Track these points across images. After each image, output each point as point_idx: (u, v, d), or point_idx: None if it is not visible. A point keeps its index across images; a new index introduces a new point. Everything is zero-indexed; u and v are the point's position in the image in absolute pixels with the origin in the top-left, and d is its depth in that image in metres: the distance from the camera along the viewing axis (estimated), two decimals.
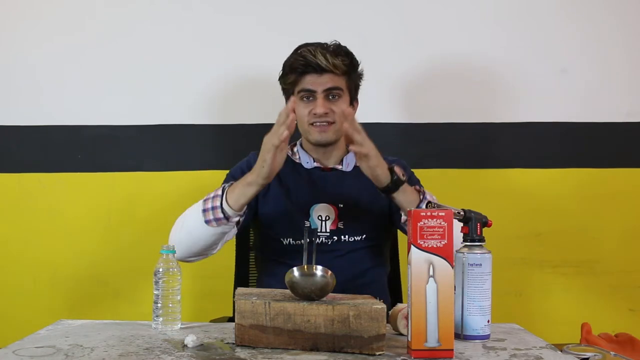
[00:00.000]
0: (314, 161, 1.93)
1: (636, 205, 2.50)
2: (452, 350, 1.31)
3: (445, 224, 1.31)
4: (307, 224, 1.85)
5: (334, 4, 2.46)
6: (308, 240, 1.52)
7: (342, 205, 1.88)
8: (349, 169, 1.93)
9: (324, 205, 1.88)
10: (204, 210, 1.71)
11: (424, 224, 1.31)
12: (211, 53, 2.45)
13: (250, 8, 2.45)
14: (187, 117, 2.45)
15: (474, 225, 1.48)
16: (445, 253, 1.31)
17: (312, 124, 1.86)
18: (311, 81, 1.85)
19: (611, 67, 2.49)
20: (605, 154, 2.50)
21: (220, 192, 1.71)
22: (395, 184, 1.70)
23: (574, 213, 2.49)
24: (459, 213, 1.48)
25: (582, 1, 2.50)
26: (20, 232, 2.43)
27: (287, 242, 1.87)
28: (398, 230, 2.00)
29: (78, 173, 2.45)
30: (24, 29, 2.43)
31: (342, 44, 1.91)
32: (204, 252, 1.79)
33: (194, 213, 1.74)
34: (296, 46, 1.91)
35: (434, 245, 1.31)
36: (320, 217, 1.87)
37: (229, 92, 2.46)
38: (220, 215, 1.69)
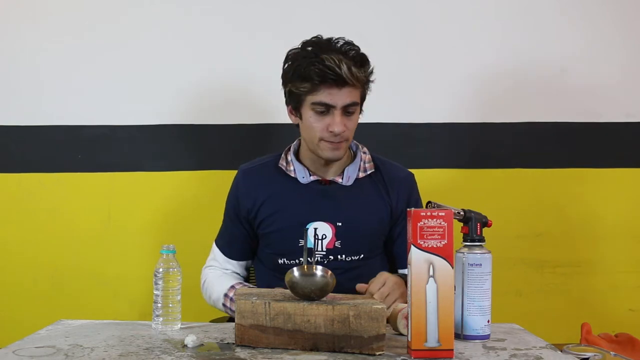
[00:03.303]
0: (311, 174, 1.82)
1: (636, 205, 2.50)
2: (452, 350, 1.31)
3: (445, 224, 1.31)
4: (301, 242, 1.76)
5: (333, 4, 2.45)
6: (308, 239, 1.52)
7: (340, 224, 1.79)
8: (349, 182, 1.83)
9: (320, 224, 1.79)
10: (224, 305, 1.82)
11: (424, 224, 1.31)
12: (211, 53, 2.44)
13: (250, 8, 2.45)
14: (187, 117, 2.45)
15: (474, 225, 1.48)
16: (445, 253, 1.31)
17: (324, 140, 1.74)
18: (330, 94, 1.69)
19: (611, 67, 2.49)
20: (605, 154, 2.50)
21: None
22: None
23: (574, 213, 2.49)
24: (459, 213, 1.48)
25: (582, 1, 2.50)
26: (20, 232, 2.43)
27: (282, 262, 1.80)
28: None
29: (78, 173, 2.44)
30: (25, 29, 2.42)
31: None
32: None
33: (218, 300, 1.85)
34: (299, 45, 1.78)
35: (434, 245, 1.31)
36: (316, 236, 1.79)
37: (229, 92, 2.46)
38: None
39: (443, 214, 1.31)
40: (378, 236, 1.86)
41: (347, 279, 1.74)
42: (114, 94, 2.44)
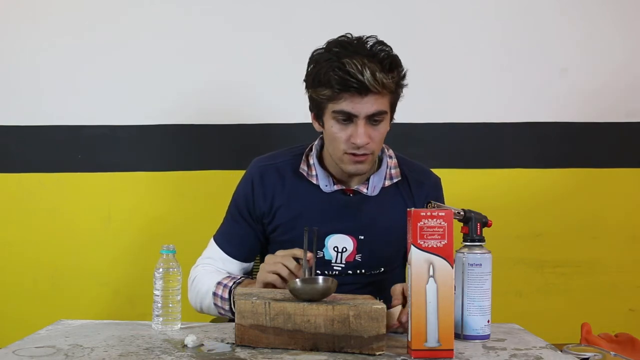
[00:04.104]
0: (334, 183, 1.70)
1: (636, 205, 2.50)
2: (452, 350, 1.30)
3: (445, 224, 1.31)
4: (320, 254, 1.68)
5: (333, 4, 2.45)
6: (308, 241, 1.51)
7: (362, 237, 1.70)
8: (375, 192, 1.70)
9: (341, 237, 1.69)
10: (216, 305, 1.67)
11: (424, 224, 1.31)
12: (211, 53, 2.44)
13: (250, 8, 2.45)
14: (187, 117, 2.45)
15: (474, 225, 1.48)
16: (445, 253, 1.30)
17: (347, 153, 1.61)
18: (351, 102, 1.55)
19: (611, 67, 2.49)
20: (605, 154, 2.50)
21: (227, 296, 1.64)
22: None
23: (574, 213, 2.49)
24: (459, 213, 1.48)
25: (582, 1, 2.50)
26: (20, 232, 2.43)
27: None
28: None
29: (78, 173, 2.45)
30: (25, 29, 2.43)
31: None
32: None
33: (206, 297, 1.69)
34: (324, 46, 1.63)
35: (434, 245, 1.30)
36: (336, 249, 1.70)
37: (229, 92, 2.46)
38: (231, 315, 1.63)
39: (443, 214, 1.31)
40: (400, 249, 1.73)
41: (367, 292, 1.66)
42: (114, 94, 2.44)
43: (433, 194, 1.77)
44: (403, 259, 1.79)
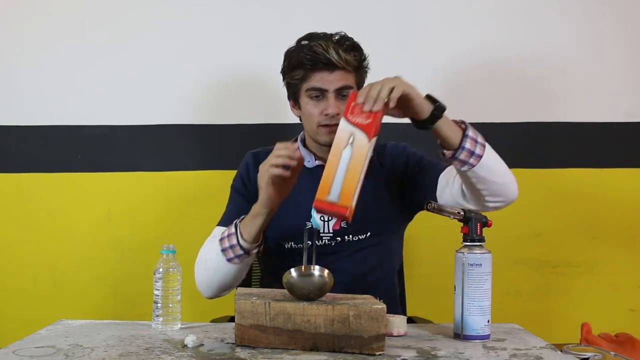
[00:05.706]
0: (316, 159, 1.87)
1: (636, 205, 2.50)
2: (347, 207, 1.39)
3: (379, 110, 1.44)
4: (308, 225, 1.80)
5: (333, 5, 2.45)
6: (308, 240, 1.52)
7: None
8: None
9: None
10: (223, 250, 1.69)
11: (357, 104, 1.45)
12: (211, 53, 2.44)
13: (250, 9, 2.45)
14: (187, 117, 2.45)
15: (474, 225, 1.48)
16: (367, 129, 1.43)
17: (321, 125, 1.79)
18: (322, 78, 1.77)
19: (611, 67, 2.49)
20: (605, 154, 2.50)
21: (233, 230, 1.68)
22: (439, 109, 1.61)
23: (574, 213, 2.49)
24: (459, 213, 1.48)
25: (582, 1, 2.50)
26: (20, 232, 2.43)
27: (289, 246, 1.83)
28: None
29: (78, 173, 2.44)
30: (25, 30, 2.43)
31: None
32: (234, 284, 1.76)
33: (213, 254, 1.72)
34: (294, 42, 1.85)
35: (360, 122, 1.44)
36: (322, 218, 1.82)
37: (229, 92, 2.46)
38: (240, 252, 1.66)
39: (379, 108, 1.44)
40: (385, 212, 1.85)
41: (357, 258, 1.80)
42: (114, 94, 2.44)
43: (402, 155, 1.91)
44: (390, 224, 1.89)
